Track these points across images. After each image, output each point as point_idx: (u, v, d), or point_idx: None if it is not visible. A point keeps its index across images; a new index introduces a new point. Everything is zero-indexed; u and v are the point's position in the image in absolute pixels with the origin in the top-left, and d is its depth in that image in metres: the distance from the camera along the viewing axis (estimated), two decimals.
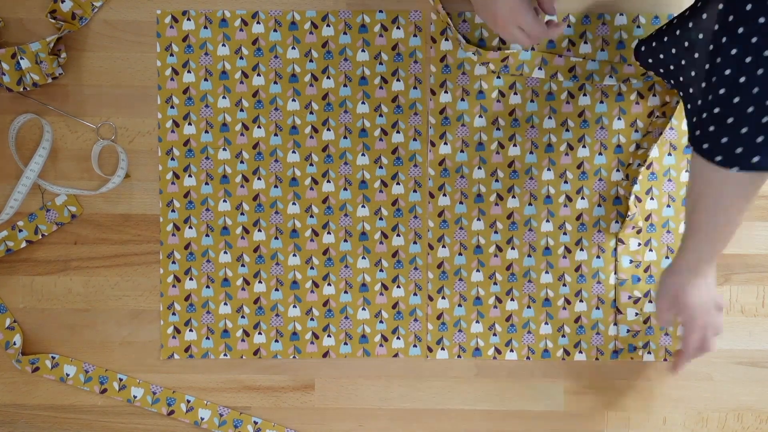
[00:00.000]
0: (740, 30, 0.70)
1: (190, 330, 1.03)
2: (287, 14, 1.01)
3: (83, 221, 1.03)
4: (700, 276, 0.87)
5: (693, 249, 0.84)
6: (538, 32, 0.88)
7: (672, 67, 0.90)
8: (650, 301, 1.03)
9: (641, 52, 0.96)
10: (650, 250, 1.02)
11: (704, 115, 0.74)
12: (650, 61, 0.94)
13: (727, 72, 0.71)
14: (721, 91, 0.72)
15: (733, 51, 0.70)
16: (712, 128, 0.73)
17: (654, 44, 0.93)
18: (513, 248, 1.03)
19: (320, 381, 1.04)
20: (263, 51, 1.01)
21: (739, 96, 0.71)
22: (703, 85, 0.75)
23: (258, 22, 1.01)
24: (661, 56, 0.91)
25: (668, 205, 1.02)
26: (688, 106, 0.85)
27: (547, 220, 1.02)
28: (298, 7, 1.02)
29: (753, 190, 0.76)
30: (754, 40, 0.69)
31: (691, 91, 0.87)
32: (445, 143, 1.02)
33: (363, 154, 1.02)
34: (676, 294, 0.88)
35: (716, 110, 0.73)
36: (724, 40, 0.71)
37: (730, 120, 0.72)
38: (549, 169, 1.02)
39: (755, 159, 0.71)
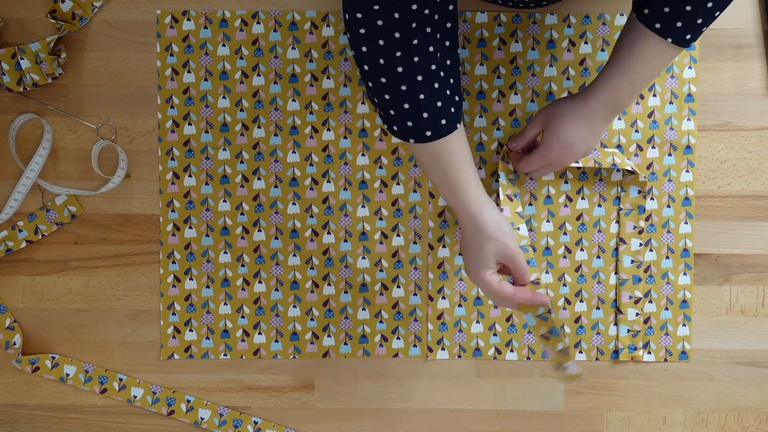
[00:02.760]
0: None
1: (190, 330, 1.03)
2: (287, 14, 1.01)
3: (83, 221, 1.03)
4: (587, 116, 0.88)
5: (596, 88, 0.88)
6: (497, 301, 0.88)
7: None
8: (650, 301, 1.03)
9: None
10: (650, 250, 1.02)
11: None
12: None
13: None
14: None
15: None
16: None
17: None
18: None
19: (320, 381, 1.04)
20: (263, 51, 1.01)
21: None
22: None
23: (258, 22, 1.01)
24: None
25: (668, 205, 1.02)
26: None
27: (548, 220, 1.02)
28: (298, 7, 1.01)
29: (668, 60, 0.84)
30: None
31: None
32: None
33: (363, 154, 1.02)
34: (555, 117, 0.90)
35: None
36: None
37: None
38: None
39: (687, 36, 0.81)
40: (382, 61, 0.78)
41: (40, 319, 1.04)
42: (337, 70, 1.02)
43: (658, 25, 0.81)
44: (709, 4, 0.79)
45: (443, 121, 0.82)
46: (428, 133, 0.82)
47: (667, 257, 1.03)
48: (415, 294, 1.03)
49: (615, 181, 1.02)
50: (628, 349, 1.03)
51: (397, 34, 0.76)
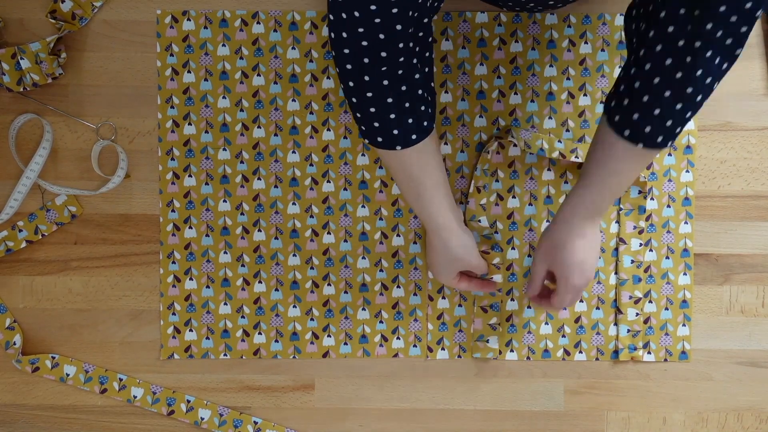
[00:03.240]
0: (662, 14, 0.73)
1: (190, 330, 1.03)
2: (287, 14, 1.01)
3: (83, 221, 1.03)
4: (579, 233, 0.88)
5: (576, 202, 0.87)
6: (462, 289, 0.99)
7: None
8: (650, 301, 1.03)
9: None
10: (650, 250, 1.02)
11: (622, 87, 0.79)
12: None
13: (658, 48, 0.75)
14: (647, 66, 0.76)
15: (668, 29, 0.74)
16: (626, 102, 0.78)
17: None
18: (513, 248, 1.03)
19: (320, 381, 1.04)
20: (263, 51, 1.01)
21: (660, 77, 0.75)
22: (631, 57, 0.79)
23: (258, 22, 1.01)
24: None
25: (668, 205, 1.02)
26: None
27: (548, 220, 1.02)
28: (298, 7, 1.01)
29: (645, 162, 0.82)
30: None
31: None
32: (446, 143, 1.02)
33: (363, 155, 1.02)
34: (556, 250, 0.89)
35: (636, 84, 0.77)
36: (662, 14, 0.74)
37: (645, 98, 0.77)
38: (549, 169, 1.02)
39: (659, 139, 0.78)
40: (367, 78, 0.80)
41: (40, 319, 1.04)
42: (337, 70, 1.01)
43: (627, 132, 0.79)
44: (678, 106, 0.76)
45: (425, 123, 0.85)
46: (414, 137, 0.85)
47: (667, 257, 1.03)
48: (415, 294, 1.03)
49: None
50: (628, 349, 1.03)
51: (383, 54, 0.78)
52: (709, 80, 0.76)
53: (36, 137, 1.02)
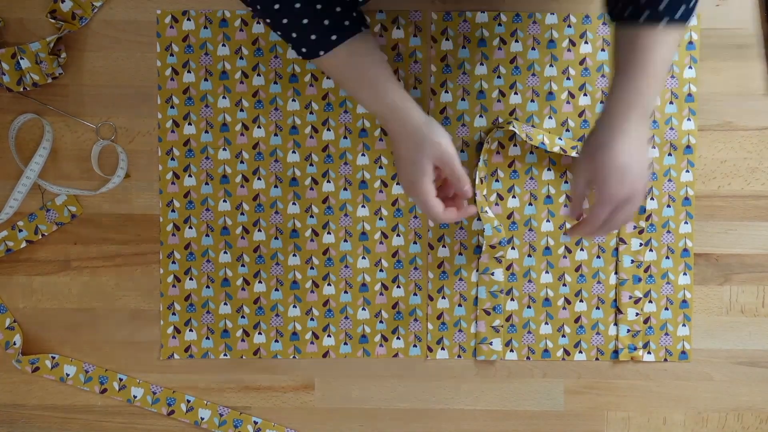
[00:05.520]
0: None
1: (190, 330, 1.03)
2: None
3: (83, 221, 1.03)
4: (625, 134, 0.80)
5: (615, 97, 0.80)
6: (431, 215, 0.86)
7: None
8: (650, 301, 1.03)
9: None
10: (650, 250, 1.02)
11: None
12: None
13: None
14: None
15: None
16: None
17: None
18: (513, 248, 1.03)
19: (320, 381, 1.04)
20: (263, 51, 1.01)
21: None
22: None
23: (258, 22, 1.01)
24: None
25: (668, 205, 1.02)
26: None
27: (548, 220, 1.02)
28: None
29: (670, 43, 0.78)
30: None
31: None
32: None
33: (363, 154, 1.02)
34: (596, 152, 0.81)
35: None
36: None
37: None
38: (549, 169, 1.02)
39: (678, 13, 0.76)
40: None
41: (40, 319, 1.04)
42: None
43: (644, 16, 0.77)
44: None
45: (346, 23, 0.82)
46: (333, 37, 0.82)
47: (667, 257, 1.03)
48: (415, 294, 1.03)
49: None
50: (628, 349, 1.03)
51: None
52: None
53: (36, 137, 1.02)
